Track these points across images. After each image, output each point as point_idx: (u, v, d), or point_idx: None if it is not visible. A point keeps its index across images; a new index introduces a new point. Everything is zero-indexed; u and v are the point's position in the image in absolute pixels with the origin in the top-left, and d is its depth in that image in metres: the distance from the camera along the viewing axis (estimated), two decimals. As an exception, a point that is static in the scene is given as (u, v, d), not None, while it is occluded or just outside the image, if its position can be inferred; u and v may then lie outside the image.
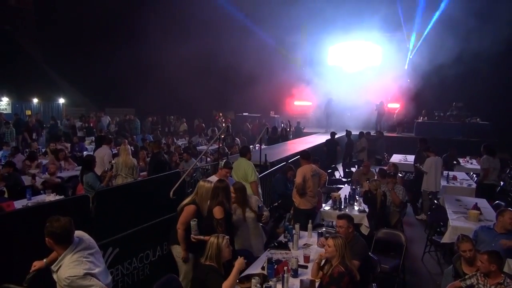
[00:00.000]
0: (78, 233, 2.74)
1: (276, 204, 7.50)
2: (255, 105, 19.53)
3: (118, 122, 17.72)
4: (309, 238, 4.70)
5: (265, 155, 8.08)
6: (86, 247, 2.70)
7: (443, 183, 8.22)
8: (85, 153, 10.59)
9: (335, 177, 9.82)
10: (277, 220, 7.08)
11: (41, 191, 6.77)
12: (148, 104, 19.65)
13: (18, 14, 22.46)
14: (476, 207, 5.88)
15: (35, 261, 2.88)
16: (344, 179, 9.60)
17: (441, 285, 4.33)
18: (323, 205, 6.52)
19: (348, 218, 4.08)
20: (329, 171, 9.39)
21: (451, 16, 14.44)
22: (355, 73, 19.24)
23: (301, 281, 3.42)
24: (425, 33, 17.49)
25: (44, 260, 2.86)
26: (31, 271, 2.84)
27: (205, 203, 4.13)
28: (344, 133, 12.74)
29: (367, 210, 5.98)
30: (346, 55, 20.35)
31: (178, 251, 4.12)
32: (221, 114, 19.94)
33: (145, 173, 7.75)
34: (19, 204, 5.65)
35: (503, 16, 14.07)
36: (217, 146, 9.32)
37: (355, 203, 6.37)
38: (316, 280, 3.46)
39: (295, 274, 3.61)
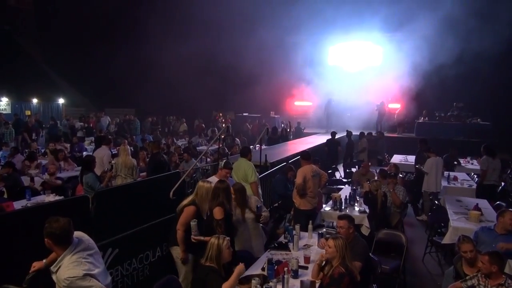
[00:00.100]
0: (77, 233, 2.74)
1: (276, 204, 7.50)
2: (255, 105, 19.53)
3: (118, 123, 17.72)
4: (310, 239, 4.69)
5: (265, 155, 8.07)
6: (86, 247, 2.70)
7: (444, 183, 8.21)
8: (84, 153, 10.59)
9: (335, 177, 9.82)
10: (277, 220, 7.08)
11: (41, 192, 6.77)
12: (148, 104, 19.66)
13: (18, 14, 22.49)
14: (477, 207, 5.87)
15: (35, 261, 2.87)
16: (344, 180, 9.60)
17: (441, 286, 4.32)
18: (324, 205, 6.52)
19: (349, 218, 4.08)
20: (329, 171, 9.39)
21: (451, 16, 14.42)
22: (356, 73, 19.24)
23: (302, 282, 3.42)
24: (426, 32, 17.48)
25: (44, 260, 2.85)
26: (30, 271, 2.83)
27: (205, 204, 4.13)
28: (344, 134, 12.74)
29: (367, 210, 5.97)
30: (346, 55, 20.36)
31: (177, 252, 4.12)
32: (221, 115, 19.93)
33: (144, 173, 7.75)
34: (18, 204, 5.64)
35: (504, 16, 14.06)
36: (217, 146, 9.32)
37: (356, 204, 6.36)
38: (317, 281, 3.46)
39: (296, 275, 3.61)
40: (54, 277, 2.65)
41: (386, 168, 7.63)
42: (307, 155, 6.13)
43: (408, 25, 16.70)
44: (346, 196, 6.51)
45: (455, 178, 8.63)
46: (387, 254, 4.98)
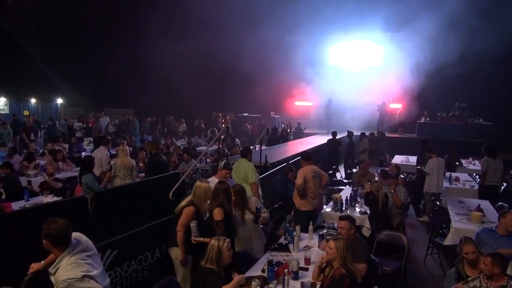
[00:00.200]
0: (75, 234, 2.74)
1: (276, 205, 7.50)
2: (255, 106, 19.54)
3: (117, 123, 17.72)
4: (310, 240, 4.69)
5: (265, 156, 8.08)
6: (84, 249, 2.70)
7: (446, 184, 8.21)
8: (83, 154, 10.59)
9: (336, 178, 9.82)
10: (278, 221, 7.08)
11: (39, 193, 6.77)
12: (147, 104, 19.67)
13: (17, 14, 22.52)
14: (479, 208, 5.87)
15: (33, 263, 2.87)
16: (345, 180, 9.60)
17: (443, 288, 4.33)
18: (324, 206, 6.52)
19: (350, 219, 4.08)
20: (330, 172, 9.39)
21: (454, 15, 14.43)
22: (357, 73, 19.25)
23: (302, 283, 3.42)
24: (428, 32, 17.49)
25: (42, 262, 2.85)
26: (28, 273, 2.83)
27: (204, 204, 4.13)
28: (345, 134, 12.74)
29: (368, 211, 5.97)
30: (347, 55, 20.36)
31: (176, 253, 4.11)
32: (220, 115, 19.93)
33: (143, 174, 7.76)
34: (16, 205, 5.64)
35: (507, 16, 14.06)
36: (217, 146, 9.32)
37: (357, 205, 6.36)
38: (317, 283, 3.46)
39: (296, 277, 3.61)
40: (52, 278, 2.65)
41: (387, 169, 7.63)
42: (307, 156, 6.13)
43: (410, 24, 16.71)
44: (347, 197, 6.51)
45: (457, 179, 8.63)
46: (388, 255, 4.98)
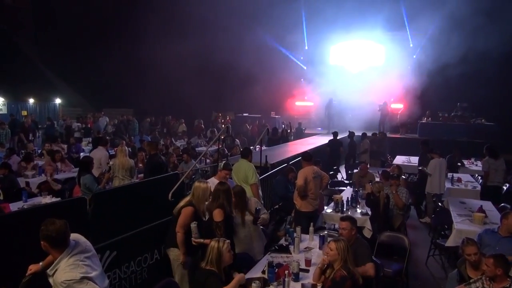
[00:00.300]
0: (74, 236, 2.74)
1: (277, 206, 7.50)
2: (255, 106, 19.54)
3: (116, 124, 17.73)
4: (311, 241, 4.70)
5: (266, 156, 8.08)
6: (83, 250, 2.70)
7: (448, 185, 8.21)
8: (82, 154, 10.59)
9: (337, 179, 9.82)
10: (278, 223, 7.09)
11: (38, 194, 6.78)
12: (147, 104, 19.68)
13: (15, 13, 22.53)
14: (481, 209, 5.87)
15: (31, 264, 2.87)
16: (346, 181, 9.60)
17: (445, 290, 4.32)
18: (325, 207, 6.52)
19: (352, 220, 4.09)
20: (331, 173, 9.39)
21: (456, 14, 14.43)
22: (358, 73, 19.25)
23: (303, 285, 3.42)
24: (430, 31, 17.50)
25: (40, 263, 2.85)
26: (27, 274, 2.83)
27: (202, 204, 4.12)
28: (346, 134, 12.73)
29: (369, 212, 5.97)
30: (348, 54, 20.36)
31: (175, 254, 4.10)
32: (220, 115, 19.95)
33: (142, 175, 7.76)
34: (14, 206, 5.64)
35: (510, 15, 14.06)
36: (217, 147, 9.32)
37: (358, 206, 6.36)
38: (318, 284, 3.46)
39: (296, 278, 3.61)
40: (50, 280, 2.65)
41: (388, 170, 7.63)
42: (308, 156, 6.13)
43: (411, 23, 16.74)
44: (348, 198, 6.51)
45: (459, 180, 8.62)
46: (390, 257, 4.98)
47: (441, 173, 7.77)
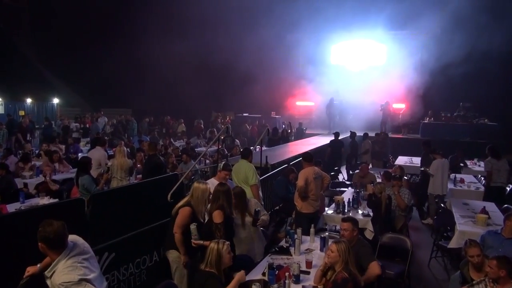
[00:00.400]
0: (72, 237, 2.74)
1: (277, 207, 7.50)
2: (255, 106, 19.55)
3: (114, 124, 17.74)
4: (312, 243, 4.70)
5: (266, 157, 8.08)
6: (81, 252, 2.70)
7: (450, 186, 8.21)
8: (80, 155, 10.60)
9: (338, 180, 9.82)
10: (279, 224, 7.08)
11: (35, 195, 6.78)
12: (145, 104, 19.68)
13: (13, 12, 22.55)
14: (484, 211, 5.86)
15: (29, 266, 2.87)
16: (347, 182, 9.60)
17: (448, 292, 4.32)
18: (326, 208, 6.51)
19: (353, 221, 4.09)
20: (332, 173, 9.39)
21: (459, 13, 14.42)
22: (359, 72, 19.25)
23: (303, 287, 3.41)
24: (432, 30, 17.50)
25: (38, 265, 2.85)
26: (24, 276, 2.83)
27: (201, 205, 4.12)
28: (347, 135, 12.73)
29: (371, 214, 5.97)
30: (349, 53, 20.37)
31: (174, 256, 4.10)
32: (219, 115, 19.96)
33: (140, 175, 7.77)
34: (12, 207, 5.65)
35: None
36: (217, 147, 9.32)
37: (359, 207, 6.36)
38: (319, 287, 3.46)
39: (297, 280, 3.61)
40: (48, 282, 2.65)
41: (390, 170, 7.63)
42: (309, 157, 6.13)
43: (413, 22, 16.71)
44: (349, 199, 6.51)
45: (462, 181, 8.63)
46: (392, 258, 4.98)
47: (443, 174, 7.77)
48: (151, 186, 5.38)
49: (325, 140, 12.97)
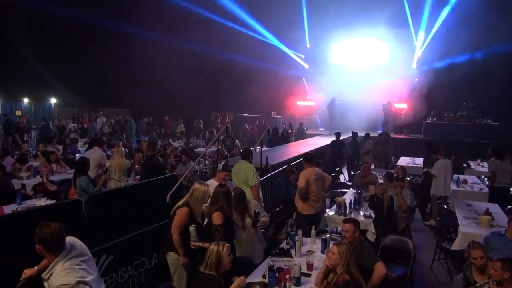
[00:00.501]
0: (69, 239, 2.74)
1: (277, 209, 7.50)
2: (256, 105, 19.55)
3: (112, 124, 17.74)
4: (313, 245, 4.70)
5: (266, 157, 8.08)
6: (78, 254, 2.71)
7: (453, 187, 8.21)
8: (77, 155, 10.60)
9: (339, 180, 9.81)
10: (279, 226, 7.08)
11: (33, 196, 6.78)
12: (144, 104, 19.68)
13: (9, 11, 22.53)
14: (487, 212, 5.87)
15: (26, 268, 2.87)
16: (349, 183, 9.60)
17: (451, 294, 4.32)
18: (327, 210, 6.52)
19: (355, 222, 4.09)
20: (333, 174, 9.39)
21: (462, 11, 14.43)
22: (361, 71, 19.25)
23: (304, 290, 3.42)
24: (435, 29, 17.50)
25: (35, 267, 2.85)
26: (21, 279, 2.84)
27: (199, 206, 4.12)
28: (349, 135, 12.73)
29: (373, 215, 5.97)
30: (351, 52, 20.36)
31: (173, 258, 4.10)
32: (219, 115, 19.96)
33: (138, 176, 7.77)
34: (8, 209, 5.64)
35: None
36: (216, 148, 9.33)
37: (361, 208, 6.36)
38: (320, 289, 3.46)
39: (298, 283, 3.61)
40: (46, 284, 2.65)
41: (392, 171, 7.63)
42: (310, 158, 6.13)
43: (416, 20, 16.73)
44: (350, 200, 6.52)
45: (465, 181, 8.62)
46: (394, 260, 4.98)
47: (446, 174, 7.77)
48: (149, 187, 5.38)
49: (326, 140, 12.97)
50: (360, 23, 17.58)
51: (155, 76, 19.87)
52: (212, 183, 4.81)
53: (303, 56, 20.96)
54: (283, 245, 4.57)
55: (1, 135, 13.80)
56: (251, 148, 7.43)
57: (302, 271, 3.73)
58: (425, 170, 8.74)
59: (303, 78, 20.55)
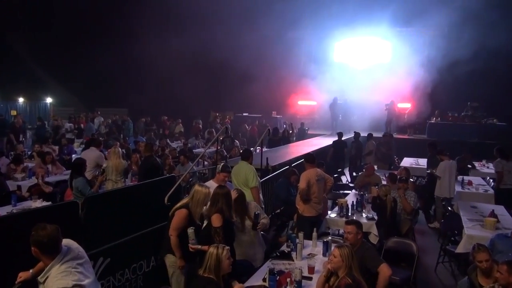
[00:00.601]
0: (66, 241, 2.74)
1: (278, 211, 7.50)
2: (256, 105, 19.54)
3: (109, 124, 17.74)
4: (314, 247, 4.70)
5: (267, 158, 8.08)
6: (75, 256, 2.71)
7: (458, 188, 8.20)
8: (74, 156, 10.60)
9: (341, 182, 9.81)
10: (280, 228, 7.08)
11: (28, 198, 6.78)
12: (141, 104, 19.67)
13: (5, 10, 22.54)
14: (493, 214, 5.87)
15: (21, 271, 2.88)
16: (351, 184, 9.60)
17: (455, 298, 4.32)
18: (329, 212, 6.52)
19: (357, 224, 4.10)
20: (335, 175, 9.39)
21: (466, 9, 14.41)
22: (363, 70, 19.24)
23: (305, 293, 3.42)
24: (438, 27, 17.50)
25: (31, 270, 2.85)
26: (16, 282, 2.83)
27: (199, 209, 4.12)
28: (351, 136, 12.73)
29: (376, 217, 5.97)
30: (353, 51, 20.36)
31: (171, 260, 4.09)
32: (218, 115, 19.96)
33: (136, 177, 7.77)
34: (3, 210, 5.64)
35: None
36: (215, 148, 9.32)
37: (363, 210, 6.36)
38: (322, 293, 3.46)
39: (299, 286, 3.61)
40: (41, 288, 2.65)
41: (396, 172, 7.63)
42: (311, 158, 6.13)
43: (419, 19, 16.71)
44: (353, 201, 6.52)
45: (470, 183, 8.62)
46: (397, 264, 4.97)
47: (450, 176, 7.77)
48: (147, 189, 5.39)
49: (328, 141, 12.97)
50: (362, 21, 17.58)
51: (153, 76, 19.89)
52: (212, 185, 4.81)
53: (304, 55, 20.93)
54: (284, 247, 4.58)
55: (-4, 135, 13.80)
56: (251, 149, 7.44)
57: (303, 274, 3.73)
58: (429, 171, 8.73)
59: (304, 77, 20.53)
